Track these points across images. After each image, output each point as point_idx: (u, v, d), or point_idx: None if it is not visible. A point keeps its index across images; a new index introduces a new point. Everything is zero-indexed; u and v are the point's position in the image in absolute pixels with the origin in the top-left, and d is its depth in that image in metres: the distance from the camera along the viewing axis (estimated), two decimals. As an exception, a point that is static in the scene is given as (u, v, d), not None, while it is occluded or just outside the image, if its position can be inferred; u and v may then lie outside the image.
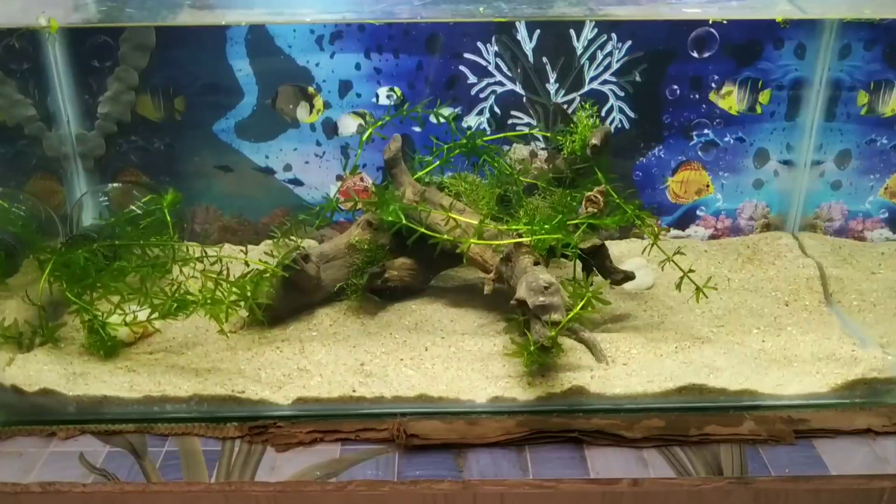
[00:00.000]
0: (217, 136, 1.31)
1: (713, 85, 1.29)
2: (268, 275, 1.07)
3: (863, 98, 1.29)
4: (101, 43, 1.24)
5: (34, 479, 0.86)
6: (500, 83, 1.28)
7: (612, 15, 1.25)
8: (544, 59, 1.26)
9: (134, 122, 1.29)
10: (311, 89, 1.28)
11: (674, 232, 1.38)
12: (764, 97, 1.30)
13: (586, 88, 1.28)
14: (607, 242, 1.16)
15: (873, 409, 0.96)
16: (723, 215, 1.38)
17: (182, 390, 0.96)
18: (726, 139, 1.33)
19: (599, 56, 1.26)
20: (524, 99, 1.29)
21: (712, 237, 1.39)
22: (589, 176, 1.16)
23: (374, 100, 1.29)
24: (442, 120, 1.21)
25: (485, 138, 1.21)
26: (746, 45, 1.27)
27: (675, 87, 1.29)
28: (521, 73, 1.27)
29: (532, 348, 0.94)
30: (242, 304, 1.04)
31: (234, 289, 1.04)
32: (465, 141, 1.19)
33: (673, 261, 1.08)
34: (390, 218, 1.08)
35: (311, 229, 1.27)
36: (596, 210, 1.09)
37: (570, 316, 0.96)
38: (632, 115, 1.30)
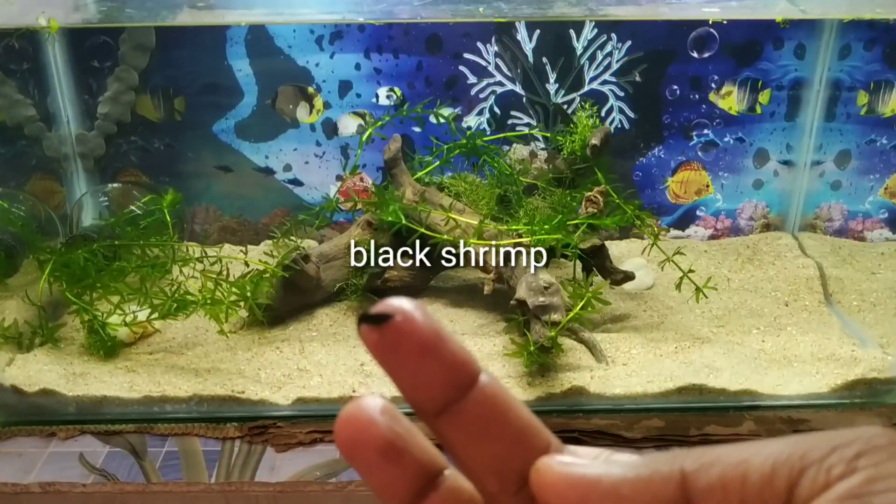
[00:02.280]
0: (217, 136, 1.31)
1: (713, 85, 1.29)
2: (268, 275, 1.07)
3: (863, 98, 1.30)
4: (101, 43, 1.24)
5: (34, 480, 0.86)
6: (500, 83, 1.28)
7: (612, 15, 1.25)
8: (544, 60, 1.27)
9: (134, 122, 1.29)
10: (310, 89, 1.28)
11: (673, 232, 1.38)
12: (764, 97, 1.30)
13: (586, 88, 1.28)
14: (607, 243, 1.16)
15: (873, 410, 0.96)
16: (723, 215, 1.38)
17: (182, 390, 0.96)
18: (726, 139, 1.33)
19: (599, 56, 1.26)
20: (524, 99, 1.29)
21: (712, 237, 1.39)
22: (589, 176, 1.16)
23: (374, 100, 1.29)
24: (442, 120, 1.21)
25: (485, 138, 1.21)
26: (746, 46, 1.27)
27: (675, 87, 1.29)
28: (521, 74, 1.27)
29: (532, 348, 0.94)
30: (242, 304, 1.04)
31: (233, 289, 1.04)
32: (464, 141, 1.19)
33: (673, 261, 1.08)
34: (390, 218, 1.08)
35: (311, 229, 1.27)
36: (596, 210, 1.09)
37: (570, 316, 0.96)
38: (632, 115, 1.30)
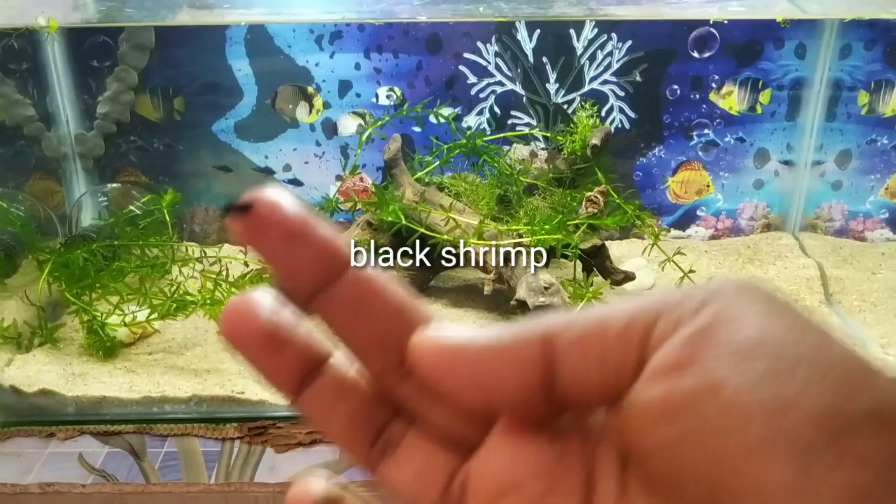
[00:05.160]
0: (216, 136, 1.30)
1: (713, 85, 1.29)
2: (267, 275, 1.07)
3: (863, 98, 1.29)
4: (101, 43, 1.24)
5: (33, 480, 0.86)
6: (500, 83, 1.28)
7: (612, 15, 1.25)
8: (544, 59, 1.26)
9: (133, 122, 1.29)
10: (310, 89, 1.28)
11: (674, 232, 1.38)
12: (764, 97, 1.29)
13: (586, 88, 1.28)
14: (608, 243, 1.16)
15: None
16: (723, 215, 1.38)
17: (181, 391, 0.96)
18: (727, 139, 1.32)
19: (599, 56, 1.26)
20: (524, 99, 1.29)
21: (713, 237, 1.39)
22: (589, 176, 1.16)
23: (373, 100, 1.29)
24: (442, 120, 1.21)
25: (485, 138, 1.21)
26: (747, 45, 1.26)
27: (676, 86, 1.29)
28: (521, 73, 1.27)
29: (532, 349, 0.94)
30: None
31: (233, 289, 1.03)
32: (464, 141, 1.18)
33: (673, 261, 1.08)
34: (390, 218, 1.08)
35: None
36: (596, 210, 1.09)
37: (570, 316, 0.96)
38: (632, 115, 1.30)
